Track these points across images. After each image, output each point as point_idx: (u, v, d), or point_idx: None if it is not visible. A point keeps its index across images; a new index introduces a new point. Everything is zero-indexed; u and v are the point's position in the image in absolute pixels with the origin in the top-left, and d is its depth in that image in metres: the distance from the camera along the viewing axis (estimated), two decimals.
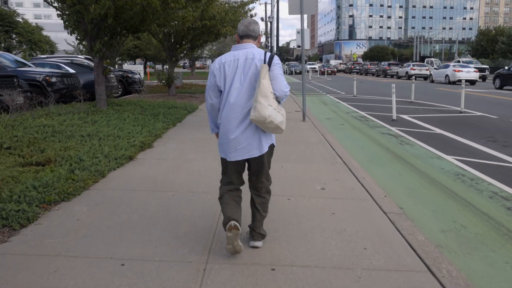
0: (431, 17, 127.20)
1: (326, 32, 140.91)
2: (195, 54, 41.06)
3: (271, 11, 42.18)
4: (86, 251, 3.22)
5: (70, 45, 35.28)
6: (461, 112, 12.63)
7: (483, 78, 33.67)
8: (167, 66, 17.07)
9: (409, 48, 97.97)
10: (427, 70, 36.92)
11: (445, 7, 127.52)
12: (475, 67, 30.46)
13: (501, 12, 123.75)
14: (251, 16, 16.35)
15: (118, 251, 3.22)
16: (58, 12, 8.38)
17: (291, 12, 10.17)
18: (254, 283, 2.82)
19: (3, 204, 3.78)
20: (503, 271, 3.28)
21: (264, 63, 3.01)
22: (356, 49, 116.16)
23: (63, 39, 36.19)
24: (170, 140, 7.56)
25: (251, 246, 3.32)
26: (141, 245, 3.33)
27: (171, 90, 16.26)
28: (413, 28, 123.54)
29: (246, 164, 3.26)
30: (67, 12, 7.95)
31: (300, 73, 56.10)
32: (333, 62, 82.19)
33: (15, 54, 43.86)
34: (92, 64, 16.06)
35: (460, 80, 28.11)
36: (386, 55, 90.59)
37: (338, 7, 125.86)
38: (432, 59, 47.67)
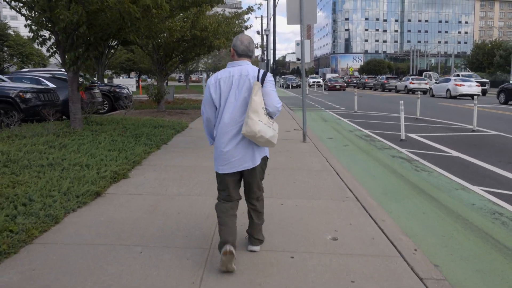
0: (426, 31, 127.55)
1: (322, 46, 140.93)
2: (189, 67, 40.21)
3: (267, 24, 41.51)
4: None
5: None
6: (473, 131, 11.64)
7: (484, 92, 32.88)
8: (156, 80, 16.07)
9: (405, 61, 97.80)
10: (426, 84, 36.14)
11: (440, 21, 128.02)
12: (476, 81, 29.66)
13: (496, 25, 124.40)
14: (246, 28, 15.45)
15: None
16: (27, 22, 7.35)
17: (289, 22, 9.21)
18: None
19: None
20: None
21: (258, 80, 3.13)
22: (352, 63, 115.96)
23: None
24: (150, 168, 6.48)
25: (249, 250, 3.53)
26: None
27: (160, 106, 15.21)
28: (408, 41, 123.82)
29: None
30: (33, 22, 6.92)
31: (297, 86, 55.25)
32: (329, 75, 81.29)
33: (5, 67, 42.77)
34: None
35: (462, 95, 27.66)
36: (383, 69, 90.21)
37: (334, 21, 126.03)
38: (430, 72, 47.08)
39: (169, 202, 4.84)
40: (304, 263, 3.37)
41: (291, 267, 3.30)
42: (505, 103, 22.89)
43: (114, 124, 9.79)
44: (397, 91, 38.88)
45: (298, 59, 9.66)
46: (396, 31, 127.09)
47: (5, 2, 7.32)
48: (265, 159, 3.39)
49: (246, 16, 15.44)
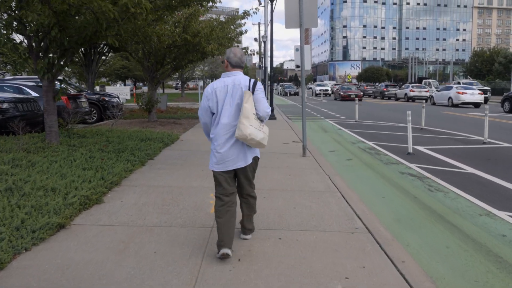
0: (424, 38, 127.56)
1: (320, 53, 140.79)
2: (186, 75, 39.51)
3: (265, 30, 40.91)
4: None
5: None
6: (484, 143, 10.89)
7: (485, 100, 32.21)
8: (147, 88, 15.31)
9: (403, 69, 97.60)
10: (426, 92, 35.49)
11: (438, 29, 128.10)
12: (479, 89, 29.01)
13: (493, 33, 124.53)
14: (241, 33, 14.73)
15: None
16: None
17: (288, 26, 8.48)
18: None
19: None
20: None
21: (249, 89, 3.53)
22: (350, 70, 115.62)
23: None
24: (130, 190, 5.69)
25: (241, 238, 3.98)
26: None
27: (151, 115, 14.41)
28: (406, 49, 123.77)
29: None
30: (2, 24, 6.13)
31: (295, 94, 54.58)
32: (326, 82, 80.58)
33: None
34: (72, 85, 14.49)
35: (464, 103, 26.94)
36: (381, 76, 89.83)
37: (332, 28, 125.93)
38: (430, 80, 46.56)
39: (145, 237, 4.05)
40: None
41: None
42: (510, 111, 22.21)
43: (97, 137, 9.00)
44: (397, 99, 38.22)
45: (298, 66, 8.92)
46: (394, 38, 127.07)
47: None
48: (256, 159, 3.76)
49: (242, 21, 14.75)
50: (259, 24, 47.44)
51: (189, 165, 7.45)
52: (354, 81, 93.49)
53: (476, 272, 3.66)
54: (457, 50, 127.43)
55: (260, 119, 3.55)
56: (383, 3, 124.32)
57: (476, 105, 27.01)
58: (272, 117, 16.97)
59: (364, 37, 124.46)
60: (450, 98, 27.69)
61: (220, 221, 3.51)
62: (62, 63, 7.02)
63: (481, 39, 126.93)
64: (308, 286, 3.14)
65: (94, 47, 15.16)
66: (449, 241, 4.37)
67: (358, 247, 3.92)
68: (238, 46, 16.85)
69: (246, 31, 15.17)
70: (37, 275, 3.22)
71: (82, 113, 12.17)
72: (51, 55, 6.91)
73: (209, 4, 10.58)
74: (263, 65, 42.19)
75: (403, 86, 40.61)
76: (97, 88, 30.09)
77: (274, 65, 17.84)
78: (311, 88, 57.00)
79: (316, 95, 47.34)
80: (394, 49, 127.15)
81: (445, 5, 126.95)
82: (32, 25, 5.79)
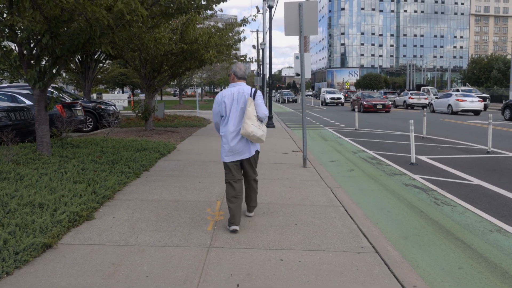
0: (422, 46, 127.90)
1: (318, 60, 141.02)
2: (184, 82, 39.32)
3: (263, 38, 40.81)
4: None
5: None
6: (488, 152, 10.65)
7: (485, 107, 32.08)
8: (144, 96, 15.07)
9: (401, 76, 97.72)
10: (426, 99, 35.33)
11: (435, 36, 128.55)
12: (478, 97, 28.85)
13: (490, 40, 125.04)
14: (239, 40, 14.53)
15: None
16: None
17: (287, 33, 8.26)
18: None
19: None
20: None
21: (250, 96, 4.44)
22: (348, 77, 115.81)
23: None
24: (123, 205, 5.42)
25: (246, 215, 4.95)
26: None
27: (148, 124, 14.14)
28: (404, 56, 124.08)
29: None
30: None
31: (293, 101, 54.41)
32: (324, 90, 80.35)
33: None
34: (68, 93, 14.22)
35: (464, 110, 26.73)
36: (379, 83, 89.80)
37: (330, 35, 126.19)
38: (429, 87, 46.47)
39: (137, 258, 3.78)
40: None
41: None
42: (511, 119, 22.04)
43: (92, 147, 8.73)
44: (396, 106, 38.06)
45: (298, 74, 8.69)
46: (391, 45, 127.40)
47: None
48: (257, 152, 4.67)
49: (240, 28, 14.55)
50: (257, 31, 47.35)
51: (186, 177, 7.19)
52: (353, 88, 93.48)
53: None
54: (454, 57, 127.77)
55: (260, 119, 4.44)
56: (381, 11, 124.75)
57: (476, 112, 26.82)
58: (271, 125, 16.73)
59: (362, 44, 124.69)
60: (449, 105, 27.51)
61: (232, 206, 4.41)
62: (54, 71, 6.77)
63: (478, 46, 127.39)
64: None
65: (91, 54, 14.90)
66: (461, 261, 4.11)
67: (365, 269, 3.65)
68: (236, 54, 16.62)
69: (244, 38, 14.98)
70: None
71: (77, 121, 11.93)
72: (43, 63, 6.66)
73: (208, 13, 10.38)
74: (261, 72, 42.09)
75: (401, 94, 40.49)
76: (94, 96, 29.83)
77: (272, 72, 17.64)
78: (316, 95, 53.47)
79: (327, 104, 42.01)
80: (392, 56, 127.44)
81: (442, 13, 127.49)
82: (23, 32, 5.54)
